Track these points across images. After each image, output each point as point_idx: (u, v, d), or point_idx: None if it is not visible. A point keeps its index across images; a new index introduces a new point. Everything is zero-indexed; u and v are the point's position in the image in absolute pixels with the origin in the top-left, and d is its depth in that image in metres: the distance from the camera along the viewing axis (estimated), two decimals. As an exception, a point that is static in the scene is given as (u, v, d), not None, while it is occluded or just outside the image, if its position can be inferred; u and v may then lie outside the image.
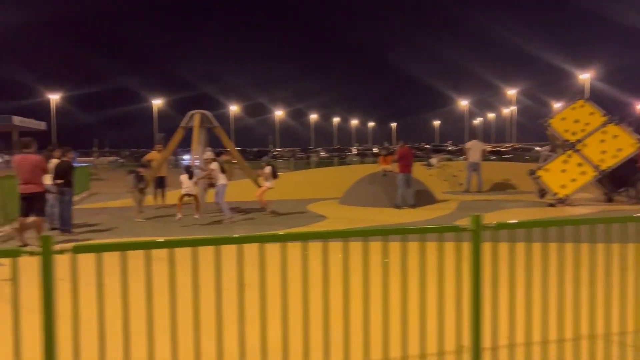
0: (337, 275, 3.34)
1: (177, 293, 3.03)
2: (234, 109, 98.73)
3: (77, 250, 2.60)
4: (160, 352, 3.13)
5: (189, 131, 12.22)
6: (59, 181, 9.53)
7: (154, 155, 13.82)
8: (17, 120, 52.46)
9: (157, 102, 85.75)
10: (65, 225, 9.81)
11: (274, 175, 12.21)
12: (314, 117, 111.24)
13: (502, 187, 17.90)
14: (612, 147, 12.68)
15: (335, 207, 13.95)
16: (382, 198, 13.84)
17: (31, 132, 62.23)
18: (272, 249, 3.29)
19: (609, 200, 13.54)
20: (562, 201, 12.69)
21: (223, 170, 11.46)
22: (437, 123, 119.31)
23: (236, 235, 3.04)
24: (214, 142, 13.23)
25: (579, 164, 12.86)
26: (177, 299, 3.02)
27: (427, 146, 56.46)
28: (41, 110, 69.92)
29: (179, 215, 11.46)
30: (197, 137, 12.21)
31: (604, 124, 13.03)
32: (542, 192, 14.09)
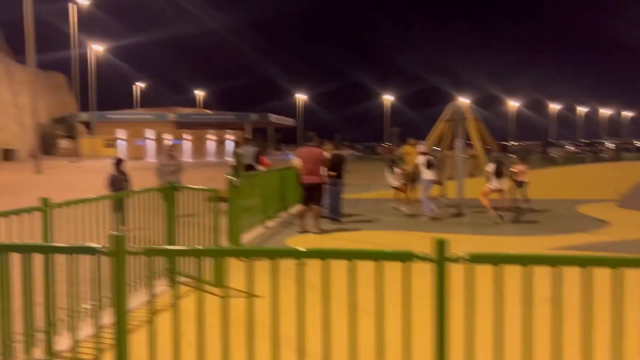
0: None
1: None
2: (466, 101, 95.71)
3: (474, 259, 2.17)
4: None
5: (449, 123, 11.66)
6: (332, 173, 9.90)
7: (408, 149, 13.67)
8: (273, 117, 59.44)
9: (389, 98, 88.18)
10: (336, 214, 10.19)
11: (499, 174, 10.54)
12: (555, 107, 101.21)
13: None
14: None
15: (615, 211, 11.88)
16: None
17: (283, 127, 70.18)
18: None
19: None
20: None
21: (430, 166, 10.64)
22: None
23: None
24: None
25: None
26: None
27: None
28: (288, 109, 78.25)
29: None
30: (447, 130, 11.61)
31: None
32: None
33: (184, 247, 5.04)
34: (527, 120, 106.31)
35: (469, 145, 12.67)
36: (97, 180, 22.54)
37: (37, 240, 3.88)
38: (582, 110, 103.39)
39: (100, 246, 2.32)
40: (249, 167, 21.69)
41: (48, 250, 2.81)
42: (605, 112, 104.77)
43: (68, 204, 4.33)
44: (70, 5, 41.39)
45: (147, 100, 79.94)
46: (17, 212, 3.82)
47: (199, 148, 48.58)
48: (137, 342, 2.99)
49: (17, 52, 49.12)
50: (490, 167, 10.68)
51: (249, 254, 2.44)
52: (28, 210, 3.90)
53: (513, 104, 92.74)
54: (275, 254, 2.45)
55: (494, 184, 10.58)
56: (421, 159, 10.84)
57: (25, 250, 3.30)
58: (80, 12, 42.06)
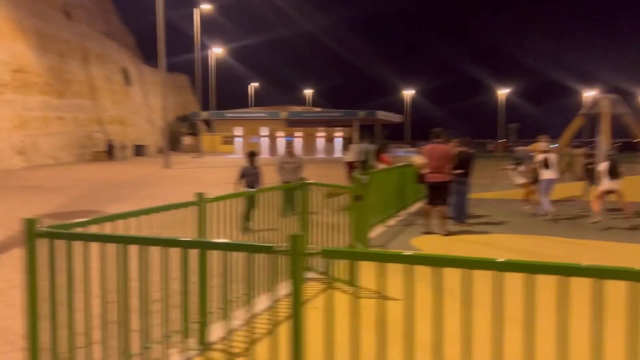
0: None
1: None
2: (591, 94, 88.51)
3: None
4: None
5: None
6: (459, 171, 9.48)
7: (537, 146, 12.77)
8: (380, 114, 59.09)
9: (503, 92, 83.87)
10: (460, 215, 9.75)
11: (612, 173, 9.47)
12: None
13: None
14: None
15: None
16: None
17: (390, 124, 69.56)
18: None
19: None
20: None
21: (547, 165, 9.85)
22: None
23: None
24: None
25: None
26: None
27: None
28: (396, 105, 77.37)
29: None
30: (605, 124, 10.55)
31: None
32: None
33: (364, 250, 5.00)
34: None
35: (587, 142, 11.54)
36: (220, 174, 23.96)
37: (188, 234, 4.03)
38: None
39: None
40: (364, 164, 21.63)
41: (224, 248, 2.86)
42: None
43: (218, 199, 4.47)
44: (194, 10, 44.24)
45: (261, 100, 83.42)
46: (176, 207, 3.99)
47: (309, 145, 49.65)
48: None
49: (147, 56, 53.53)
50: (603, 166, 9.68)
51: (433, 262, 2.26)
52: (186, 205, 4.06)
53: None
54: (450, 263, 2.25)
55: (606, 184, 9.56)
56: (540, 157, 10.19)
57: (202, 246, 3.42)
58: (201, 17, 44.76)
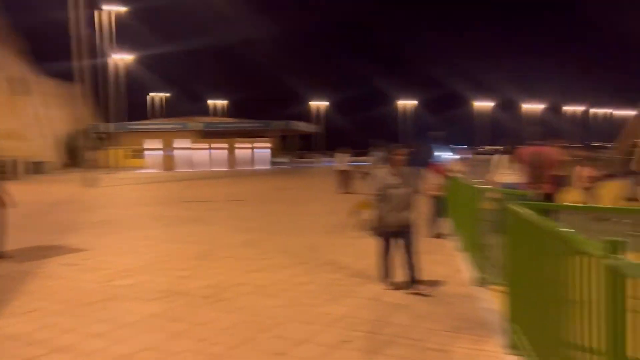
0: None
1: None
2: (480, 104, 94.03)
3: None
4: None
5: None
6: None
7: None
8: (296, 124, 57.45)
9: (409, 102, 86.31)
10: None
11: None
12: (574, 110, 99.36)
13: None
14: None
15: None
16: None
17: (306, 134, 68.22)
18: None
19: None
20: None
21: None
22: None
23: None
24: None
25: None
26: None
27: None
28: (307, 116, 76.14)
29: None
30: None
31: None
32: None
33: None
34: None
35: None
36: (159, 191, 20.70)
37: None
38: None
39: None
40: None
41: None
42: None
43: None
44: (95, 12, 39.61)
45: (171, 110, 77.93)
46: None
47: (229, 157, 46.57)
48: None
49: (43, 63, 47.24)
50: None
51: None
52: None
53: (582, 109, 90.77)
54: None
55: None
56: None
57: None
58: (103, 23, 40.23)
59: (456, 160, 10.65)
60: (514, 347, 4.06)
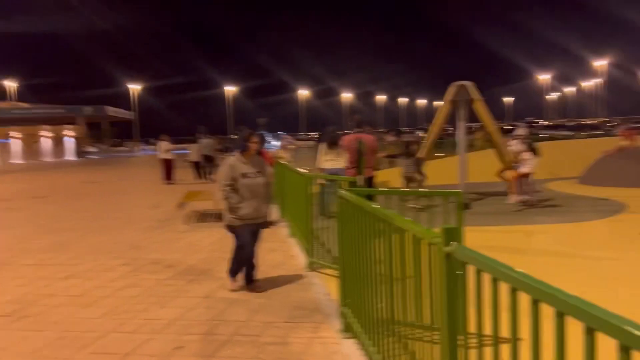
0: None
1: None
2: (303, 92, 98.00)
3: None
4: None
5: (455, 105, 10.74)
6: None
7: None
8: (110, 110, 53.13)
9: (232, 89, 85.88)
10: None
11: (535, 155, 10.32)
12: (380, 98, 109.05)
13: None
14: None
15: (590, 188, 12.19)
16: (628, 177, 12.06)
17: (120, 121, 63.43)
18: None
19: None
20: None
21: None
22: (509, 99, 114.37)
23: None
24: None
25: None
26: None
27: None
28: (119, 102, 70.94)
29: (516, 198, 10.12)
30: (445, 111, 10.78)
31: None
32: None
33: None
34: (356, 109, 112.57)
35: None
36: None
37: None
38: (403, 100, 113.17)
39: None
40: (208, 159, 18.82)
41: None
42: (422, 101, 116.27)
43: None
44: None
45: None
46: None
47: (31, 148, 41.12)
48: None
49: None
50: (522, 148, 10.24)
51: None
52: None
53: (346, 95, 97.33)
54: None
55: (530, 166, 10.12)
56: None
57: None
58: None
59: (281, 147, 10.75)
60: (347, 331, 4.14)
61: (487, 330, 1.84)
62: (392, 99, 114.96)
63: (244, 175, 5.31)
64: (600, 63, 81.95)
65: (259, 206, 5.41)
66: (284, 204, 9.37)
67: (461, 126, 10.72)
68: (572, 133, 37.39)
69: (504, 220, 8.86)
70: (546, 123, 53.51)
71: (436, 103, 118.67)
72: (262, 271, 5.90)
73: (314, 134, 63.95)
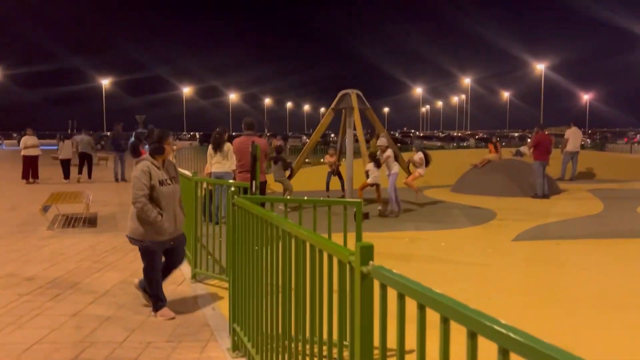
0: None
1: None
2: (186, 90, 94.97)
3: None
4: None
5: (338, 113, 10.82)
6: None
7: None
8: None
9: (105, 82, 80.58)
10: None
11: (427, 162, 10.95)
12: (267, 101, 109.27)
13: (589, 175, 17.52)
14: None
15: (465, 196, 13.03)
16: (509, 187, 13.15)
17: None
18: None
19: None
20: None
21: (396, 158, 10.27)
22: (386, 110, 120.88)
23: None
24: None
25: None
26: None
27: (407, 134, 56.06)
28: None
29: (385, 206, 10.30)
30: (354, 118, 10.87)
31: None
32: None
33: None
34: (243, 111, 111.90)
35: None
36: None
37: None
38: (289, 105, 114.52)
39: None
40: (83, 157, 17.02)
41: None
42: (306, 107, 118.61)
43: None
44: None
45: None
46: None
47: None
48: None
49: None
50: (419, 156, 10.72)
51: None
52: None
53: (231, 96, 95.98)
54: None
55: (420, 171, 10.64)
56: (389, 152, 10.11)
57: None
58: None
59: None
60: (238, 350, 3.86)
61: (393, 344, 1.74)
62: (278, 103, 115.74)
63: (161, 183, 4.53)
64: (467, 80, 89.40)
65: (177, 218, 4.71)
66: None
67: (349, 134, 10.87)
68: (443, 144, 40.16)
69: (387, 226, 9.09)
70: (421, 134, 57.07)
71: (321, 110, 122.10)
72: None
73: (198, 134, 62.04)
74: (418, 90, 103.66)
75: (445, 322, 1.48)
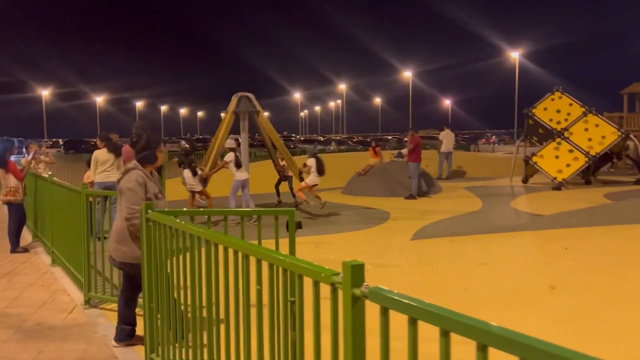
0: None
1: None
2: (45, 93, 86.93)
3: None
4: None
5: (238, 116, 10.36)
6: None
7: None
8: None
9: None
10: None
11: (320, 170, 10.52)
12: (139, 104, 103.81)
13: (461, 173, 18.84)
14: (596, 135, 14.39)
15: (352, 197, 13.28)
16: (395, 188, 13.69)
17: None
18: None
19: (588, 182, 15.31)
20: (562, 185, 13.97)
21: (239, 164, 9.67)
22: (266, 114, 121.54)
23: None
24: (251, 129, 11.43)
25: (570, 151, 14.30)
26: None
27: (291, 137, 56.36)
28: None
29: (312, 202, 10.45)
30: (228, 121, 10.46)
31: (585, 114, 14.74)
32: (526, 177, 15.41)
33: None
34: (112, 115, 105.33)
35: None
36: None
37: None
38: (163, 108, 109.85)
39: None
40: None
41: None
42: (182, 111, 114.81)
43: None
44: None
45: None
46: None
47: None
48: None
49: None
50: (311, 162, 10.42)
51: None
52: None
53: (98, 99, 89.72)
54: None
55: (314, 178, 10.34)
56: (230, 156, 9.54)
57: None
58: None
59: (33, 157, 8.94)
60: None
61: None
62: (152, 105, 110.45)
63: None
64: (342, 86, 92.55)
65: None
66: (41, 226, 7.75)
67: (244, 137, 10.52)
68: (324, 147, 41.05)
69: (283, 233, 8.89)
70: (302, 138, 57.92)
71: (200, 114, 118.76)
72: (22, 315, 4.61)
73: (62, 141, 56.89)
74: (296, 95, 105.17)
75: (483, 349, 1.29)
